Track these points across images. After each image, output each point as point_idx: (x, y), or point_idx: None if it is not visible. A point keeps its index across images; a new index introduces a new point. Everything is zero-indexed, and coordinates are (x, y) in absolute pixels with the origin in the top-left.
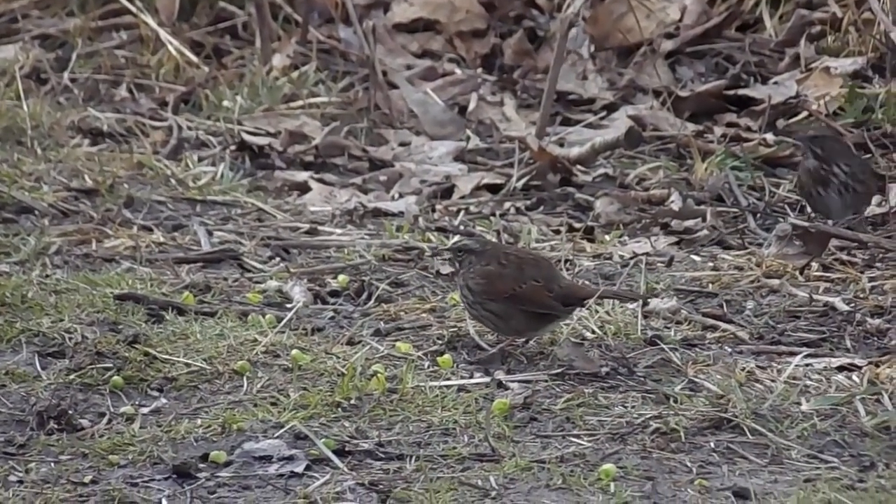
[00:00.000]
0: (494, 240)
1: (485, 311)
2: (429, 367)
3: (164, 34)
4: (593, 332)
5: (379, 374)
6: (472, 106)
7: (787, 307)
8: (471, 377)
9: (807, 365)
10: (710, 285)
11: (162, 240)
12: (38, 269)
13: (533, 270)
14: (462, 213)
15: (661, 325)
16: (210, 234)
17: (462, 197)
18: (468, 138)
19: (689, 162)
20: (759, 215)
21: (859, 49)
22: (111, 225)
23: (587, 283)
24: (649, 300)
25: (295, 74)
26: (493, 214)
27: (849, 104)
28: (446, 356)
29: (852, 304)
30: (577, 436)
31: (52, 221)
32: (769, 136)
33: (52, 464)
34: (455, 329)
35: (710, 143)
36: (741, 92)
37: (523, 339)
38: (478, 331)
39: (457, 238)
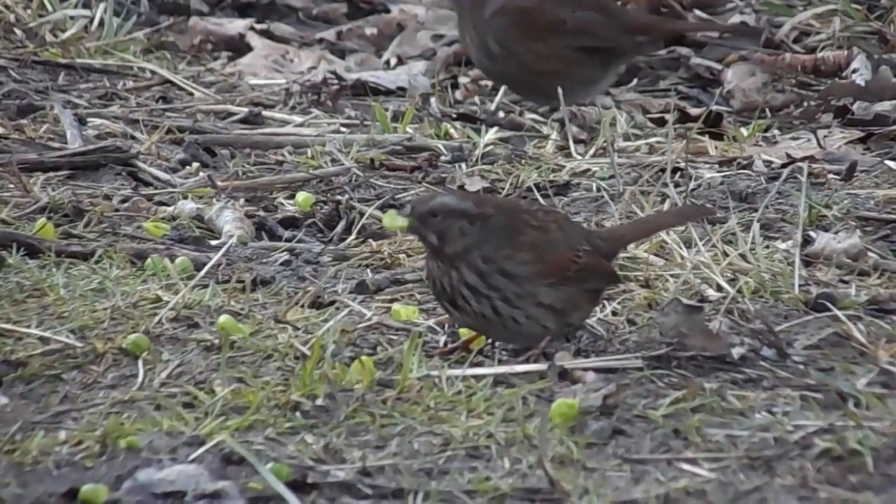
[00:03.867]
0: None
1: (535, 309)
2: (446, 344)
3: None
4: (719, 288)
5: (363, 358)
6: None
7: None
8: (516, 361)
9: None
10: None
11: (1, 131)
12: None
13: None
14: (502, 90)
15: (833, 278)
16: (82, 122)
17: None
18: None
19: (884, 4)
20: None
21: None
22: None
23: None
24: (813, 234)
25: None
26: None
27: None
28: None
29: None
30: (693, 460)
31: None
32: None
33: None
34: None
35: None
36: None
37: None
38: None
39: (422, 193)
